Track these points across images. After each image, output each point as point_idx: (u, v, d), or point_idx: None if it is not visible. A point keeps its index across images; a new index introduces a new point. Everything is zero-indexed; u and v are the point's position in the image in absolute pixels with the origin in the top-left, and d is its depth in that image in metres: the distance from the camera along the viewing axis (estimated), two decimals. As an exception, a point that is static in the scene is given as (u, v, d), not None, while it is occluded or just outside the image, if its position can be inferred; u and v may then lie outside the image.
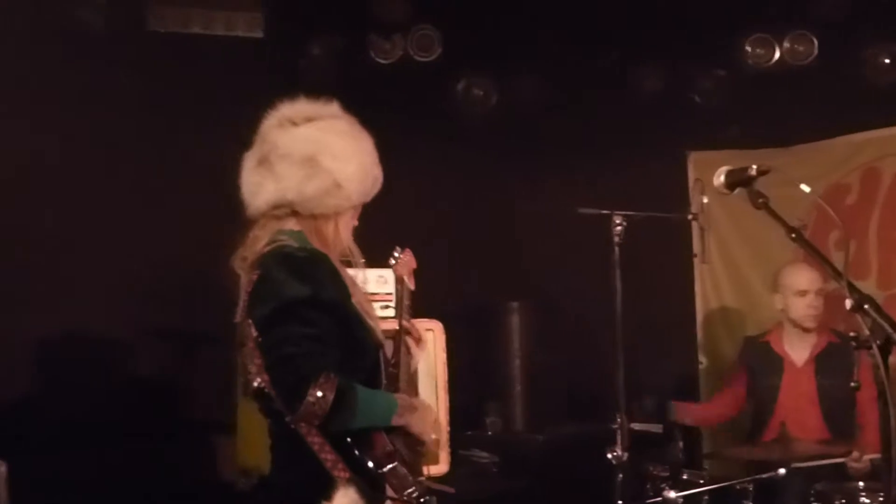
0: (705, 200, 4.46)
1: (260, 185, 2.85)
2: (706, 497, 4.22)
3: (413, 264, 3.45)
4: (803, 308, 4.89)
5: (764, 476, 4.19)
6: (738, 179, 2.52)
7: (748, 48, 5.75)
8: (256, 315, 2.73)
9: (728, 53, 5.85)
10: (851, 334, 2.10)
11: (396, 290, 3.47)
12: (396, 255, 3.47)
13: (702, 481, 4.30)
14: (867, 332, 2.06)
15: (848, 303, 2.10)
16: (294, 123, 2.86)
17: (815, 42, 5.63)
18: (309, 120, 2.87)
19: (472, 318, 5.89)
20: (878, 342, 2.03)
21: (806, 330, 4.94)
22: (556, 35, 5.76)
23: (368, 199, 2.97)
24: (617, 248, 4.15)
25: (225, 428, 4.77)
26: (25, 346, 4.97)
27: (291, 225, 2.85)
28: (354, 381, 2.71)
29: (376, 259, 4.66)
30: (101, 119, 5.01)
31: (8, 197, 4.74)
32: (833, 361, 4.83)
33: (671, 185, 5.96)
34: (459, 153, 5.82)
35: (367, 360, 2.83)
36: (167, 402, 5.23)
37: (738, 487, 4.24)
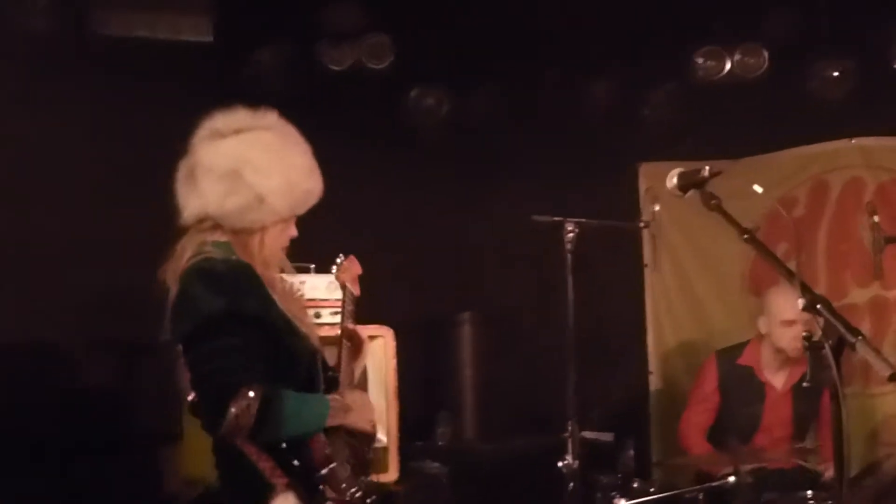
0: (657, 208, 4.47)
1: (186, 199, 2.81)
2: (656, 506, 4.22)
3: (357, 270, 3.40)
4: (789, 339, 4.78)
5: (714, 484, 4.20)
6: (690, 181, 2.51)
7: (699, 60, 5.78)
8: (178, 332, 2.71)
9: (678, 65, 5.87)
10: (803, 334, 2.09)
11: (342, 296, 3.42)
12: (338, 261, 3.42)
13: (652, 490, 4.30)
14: (819, 333, 2.05)
15: (800, 303, 2.09)
16: (221, 135, 2.81)
17: (766, 54, 5.67)
18: (236, 132, 2.81)
19: (424, 328, 5.85)
20: (830, 343, 2.02)
21: (789, 359, 4.88)
22: (508, 45, 5.76)
23: (301, 211, 2.90)
24: (570, 256, 4.14)
25: (170, 439, 4.68)
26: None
27: (217, 236, 2.80)
28: (289, 388, 2.68)
29: (327, 266, 4.64)
30: (41, 125, 4.90)
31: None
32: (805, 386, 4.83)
33: (622, 195, 5.97)
34: (411, 161, 5.78)
35: (299, 367, 2.80)
36: (110, 414, 5.12)
37: (687, 496, 4.24)
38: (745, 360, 4.99)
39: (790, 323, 4.77)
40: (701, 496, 4.21)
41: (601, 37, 5.67)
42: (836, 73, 5.67)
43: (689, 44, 5.80)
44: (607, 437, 4.40)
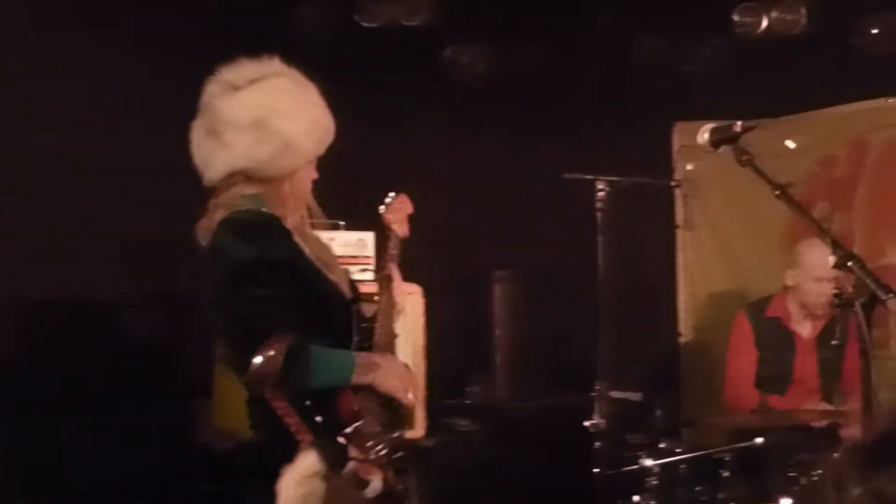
0: (689, 167, 4.42)
1: (211, 156, 2.81)
2: (683, 466, 4.20)
3: (408, 209, 3.36)
4: (818, 295, 4.72)
5: (742, 445, 4.17)
6: (722, 137, 2.47)
7: (736, 17, 5.68)
8: (211, 283, 2.73)
9: (715, 22, 5.77)
10: (834, 291, 2.06)
11: (385, 237, 3.33)
12: (388, 200, 3.37)
13: (679, 450, 4.28)
14: (850, 290, 2.01)
15: (831, 259, 2.05)
16: (236, 87, 2.81)
17: (804, 11, 5.56)
18: (251, 82, 2.82)
19: (455, 286, 5.85)
20: (861, 300, 1.98)
21: (815, 315, 4.86)
22: (544, 1, 5.69)
23: (322, 151, 2.94)
24: (600, 215, 4.11)
25: (202, 391, 4.73)
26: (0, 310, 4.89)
27: (248, 189, 2.82)
28: (322, 337, 2.69)
29: (356, 222, 4.64)
30: (72, 80, 4.89)
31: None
32: (831, 335, 4.80)
33: (656, 154, 5.92)
34: (444, 119, 5.76)
35: (331, 314, 2.81)
36: (143, 367, 5.16)
37: (715, 457, 4.22)
38: (772, 311, 4.96)
39: (821, 279, 4.72)
40: (729, 457, 4.18)
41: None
42: (875, 30, 5.55)
43: (726, 0, 5.70)
44: (636, 396, 4.37)
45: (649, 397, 4.50)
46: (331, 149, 3.01)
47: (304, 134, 2.82)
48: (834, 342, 2.32)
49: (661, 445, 4.28)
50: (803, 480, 4.13)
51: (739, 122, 2.44)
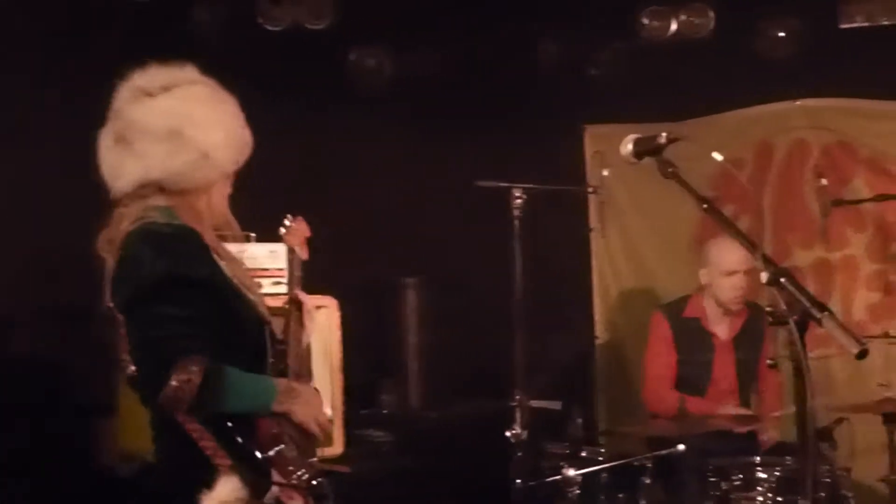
0: (605, 173, 4.41)
1: (121, 166, 2.64)
2: (605, 475, 4.18)
3: (305, 233, 3.31)
4: (730, 290, 4.81)
5: (663, 452, 4.16)
6: (646, 148, 2.41)
7: (644, 20, 5.70)
8: (118, 298, 2.57)
9: (624, 26, 5.79)
10: (767, 309, 2.02)
11: (288, 261, 3.30)
12: (287, 223, 3.32)
13: (600, 458, 4.26)
14: (783, 307, 1.97)
15: (763, 276, 2.02)
16: (149, 94, 2.65)
17: (711, 14, 5.61)
18: (165, 89, 2.66)
19: (368, 294, 5.75)
20: (794, 317, 1.95)
21: (729, 312, 4.90)
22: (450, 4, 5.63)
23: (240, 164, 2.79)
24: (517, 222, 4.06)
25: (106, 411, 4.55)
26: None
27: (159, 201, 2.65)
28: (237, 360, 2.57)
29: (268, 234, 4.51)
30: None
31: None
32: (748, 335, 4.87)
33: (567, 158, 5.91)
34: (353, 125, 5.64)
35: (248, 336, 2.68)
36: (45, 384, 4.96)
37: (636, 464, 4.21)
38: (690, 312, 4.98)
39: (731, 273, 4.78)
40: (650, 464, 4.18)
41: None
42: (781, 34, 5.62)
43: (634, 3, 5.71)
44: (555, 405, 4.34)
45: (568, 405, 4.46)
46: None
47: (222, 146, 2.68)
48: (769, 362, 2.31)
49: (582, 454, 4.25)
50: (723, 486, 4.15)
51: (664, 134, 2.39)
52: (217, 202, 2.75)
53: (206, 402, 2.45)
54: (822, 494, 4.01)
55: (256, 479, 2.54)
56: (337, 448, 4.40)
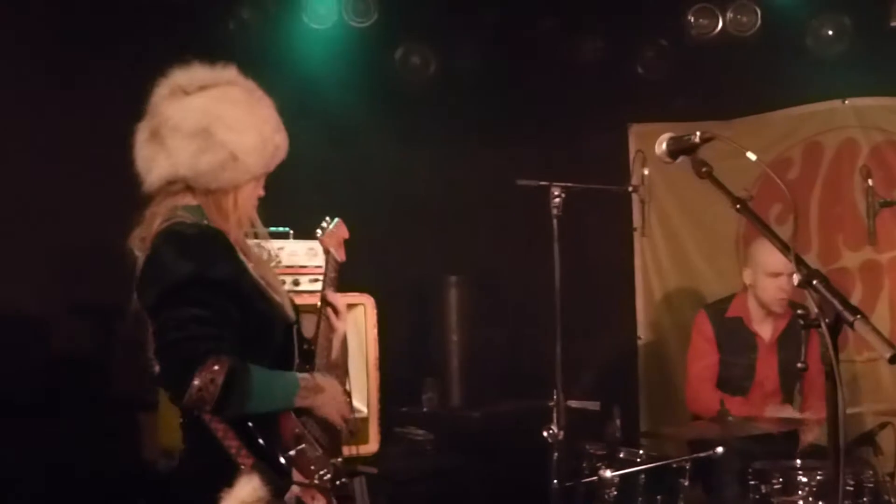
0: (646, 172, 4.35)
1: (152, 160, 2.68)
2: (643, 476, 4.14)
3: (344, 234, 3.30)
4: (774, 291, 4.74)
5: (701, 455, 4.11)
6: (681, 147, 2.38)
7: (691, 18, 5.64)
8: (145, 299, 2.60)
9: (671, 24, 5.73)
10: (799, 312, 1.98)
11: (325, 261, 3.31)
12: (325, 225, 3.31)
13: (638, 460, 4.21)
14: (816, 310, 1.93)
15: (796, 278, 1.97)
16: (186, 92, 2.69)
17: (759, 12, 5.53)
18: (202, 88, 2.69)
19: (410, 292, 5.76)
20: (826, 320, 1.91)
21: (772, 313, 4.84)
22: (497, 2, 5.61)
23: (271, 168, 2.81)
24: (556, 221, 4.03)
25: (146, 407, 4.59)
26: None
27: (188, 200, 2.69)
28: (262, 360, 2.58)
29: (306, 231, 4.52)
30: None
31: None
32: (792, 336, 4.80)
33: (612, 157, 5.87)
34: (395, 123, 5.65)
35: (271, 338, 2.69)
36: (87, 380, 5.01)
37: (674, 466, 4.16)
38: (733, 312, 4.92)
39: (775, 275, 4.72)
40: (688, 466, 4.13)
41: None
42: (830, 32, 5.53)
43: (681, 1, 5.65)
44: (594, 405, 4.30)
45: (608, 405, 4.42)
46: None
47: (252, 149, 2.69)
48: (799, 365, 2.28)
49: (621, 455, 4.21)
50: (763, 489, 4.09)
51: (698, 133, 2.35)
52: (244, 203, 2.75)
53: (229, 401, 2.47)
54: (865, 500, 3.93)
55: (278, 477, 2.55)
56: (372, 446, 4.41)
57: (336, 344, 3.00)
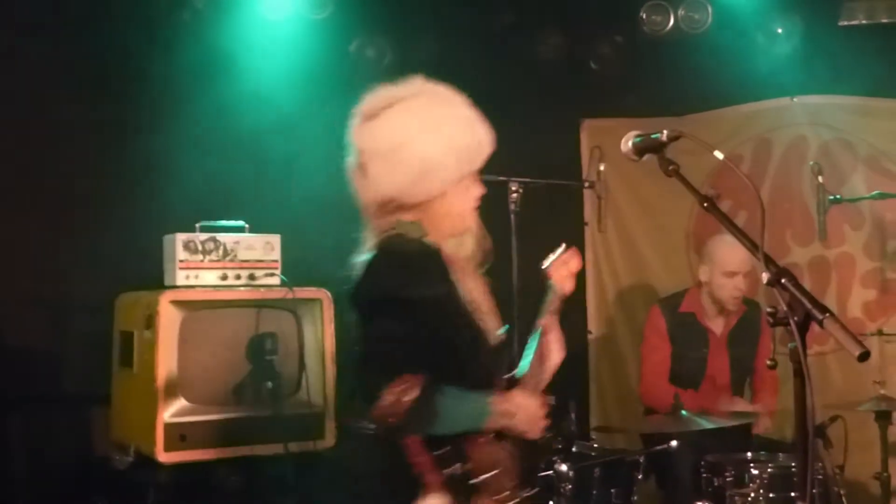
0: (602, 168, 4.38)
1: (360, 189, 2.75)
2: (597, 470, 4.17)
3: (577, 265, 3.11)
4: (730, 289, 4.81)
5: (656, 449, 4.16)
6: (647, 145, 2.40)
7: (644, 15, 5.68)
8: (354, 304, 2.65)
9: (624, 20, 5.76)
10: (768, 310, 2.00)
11: (547, 288, 3.08)
12: (558, 251, 3.10)
13: (593, 454, 4.25)
14: (784, 308, 1.96)
15: (764, 277, 2.00)
16: (372, 117, 2.73)
17: (710, 10, 5.59)
18: (386, 108, 2.73)
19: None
20: (796, 318, 1.93)
21: (726, 311, 4.90)
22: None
23: (477, 166, 2.80)
24: (513, 216, 4.04)
25: (99, 400, 4.53)
26: None
27: (405, 215, 2.72)
28: (460, 381, 2.57)
29: (264, 226, 4.50)
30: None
31: None
32: (742, 331, 4.88)
33: (563, 152, 5.88)
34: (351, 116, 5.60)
35: (472, 359, 2.66)
36: (38, 373, 4.93)
37: (629, 460, 4.20)
38: (686, 307, 4.98)
39: (732, 274, 4.78)
40: (642, 459, 4.17)
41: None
42: (780, 30, 5.60)
43: (634, -2, 5.69)
44: (549, 400, 4.31)
45: (563, 399, 4.43)
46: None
47: (442, 155, 2.69)
48: (768, 362, 2.32)
49: (574, 449, 4.24)
50: (716, 481, 4.15)
51: (665, 131, 2.38)
52: (457, 206, 2.76)
53: (416, 418, 2.47)
54: (815, 491, 4.00)
55: (463, 500, 2.55)
56: (329, 440, 4.39)
57: (546, 376, 2.98)
